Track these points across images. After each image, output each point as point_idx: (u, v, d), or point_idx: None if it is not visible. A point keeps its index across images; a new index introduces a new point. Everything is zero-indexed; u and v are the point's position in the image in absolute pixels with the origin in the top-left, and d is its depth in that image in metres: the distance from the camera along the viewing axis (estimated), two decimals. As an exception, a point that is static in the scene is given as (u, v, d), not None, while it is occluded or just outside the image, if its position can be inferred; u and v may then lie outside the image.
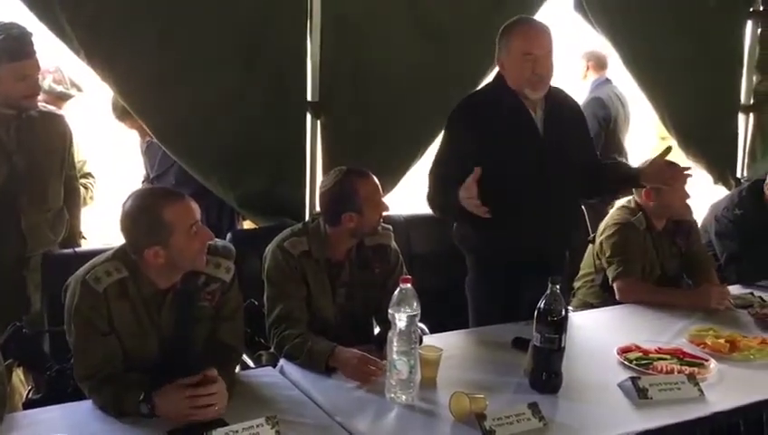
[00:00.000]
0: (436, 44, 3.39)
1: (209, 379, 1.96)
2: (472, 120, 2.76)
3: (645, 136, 6.22)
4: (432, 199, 2.84)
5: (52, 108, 3.04)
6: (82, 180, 3.52)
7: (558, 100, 2.83)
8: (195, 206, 2.11)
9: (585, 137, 3.03)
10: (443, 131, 2.87)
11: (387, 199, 2.65)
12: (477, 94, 2.97)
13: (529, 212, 2.70)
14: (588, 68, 4.90)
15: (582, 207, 3.26)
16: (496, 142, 2.69)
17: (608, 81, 4.87)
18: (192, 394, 1.93)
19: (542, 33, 2.72)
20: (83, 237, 3.27)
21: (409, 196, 3.73)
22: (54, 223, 2.97)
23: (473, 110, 2.80)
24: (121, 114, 3.35)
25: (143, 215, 2.05)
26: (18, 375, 2.82)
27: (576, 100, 3.06)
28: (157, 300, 2.15)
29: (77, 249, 2.92)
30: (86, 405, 2.07)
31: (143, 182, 3.70)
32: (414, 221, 3.32)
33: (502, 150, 2.68)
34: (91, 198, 3.58)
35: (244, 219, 3.47)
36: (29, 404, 2.28)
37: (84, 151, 3.66)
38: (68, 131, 3.03)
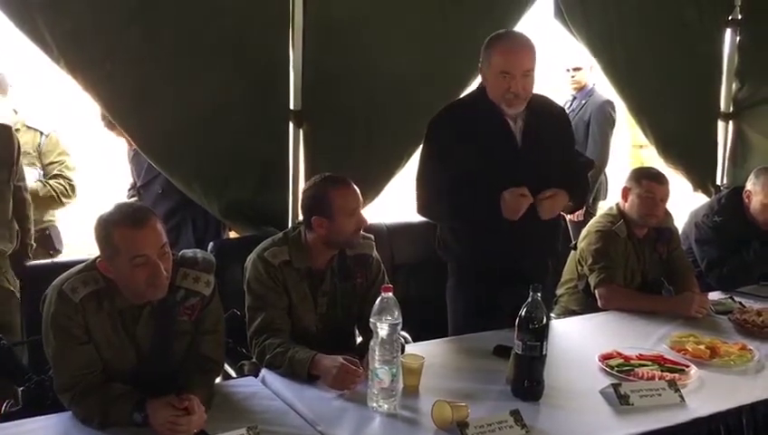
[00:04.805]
0: (420, 52, 3.39)
1: (190, 410, 1.95)
2: (451, 128, 2.76)
3: (619, 144, 6.29)
4: (427, 208, 2.85)
5: None
6: (51, 181, 3.53)
7: (539, 109, 2.81)
8: (151, 238, 2.04)
9: (568, 143, 3.02)
10: (423, 140, 2.86)
11: (370, 208, 2.65)
12: (457, 103, 2.96)
13: (506, 223, 2.68)
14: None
15: (565, 214, 3.26)
16: (474, 152, 2.69)
17: (594, 85, 4.90)
18: (173, 419, 1.93)
19: (522, 52, 2.68)
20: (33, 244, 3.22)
21: (393, 204, 3.73)
22: (3, 235, 2.93)
23: (452, 118, 2.80)
24: (110, 123, 3.34)
25: (99, 227, 2.07)
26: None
27: (560, 105, 3.06)
28: (133, 313, 2.13)
29: (56, 260, 2.91)
30: (66, 417, 2.05)
31: (129, 190, 3.68)
32: (397, 230, 3.31)
33: (479, 161, 2.69)
34: (54, 199, 3.55)
35: (229, 229, 3.46)
36: (7, 416, 2.25)
37: (67, 147, 3.62)
38: (15, 142, 3.01)
